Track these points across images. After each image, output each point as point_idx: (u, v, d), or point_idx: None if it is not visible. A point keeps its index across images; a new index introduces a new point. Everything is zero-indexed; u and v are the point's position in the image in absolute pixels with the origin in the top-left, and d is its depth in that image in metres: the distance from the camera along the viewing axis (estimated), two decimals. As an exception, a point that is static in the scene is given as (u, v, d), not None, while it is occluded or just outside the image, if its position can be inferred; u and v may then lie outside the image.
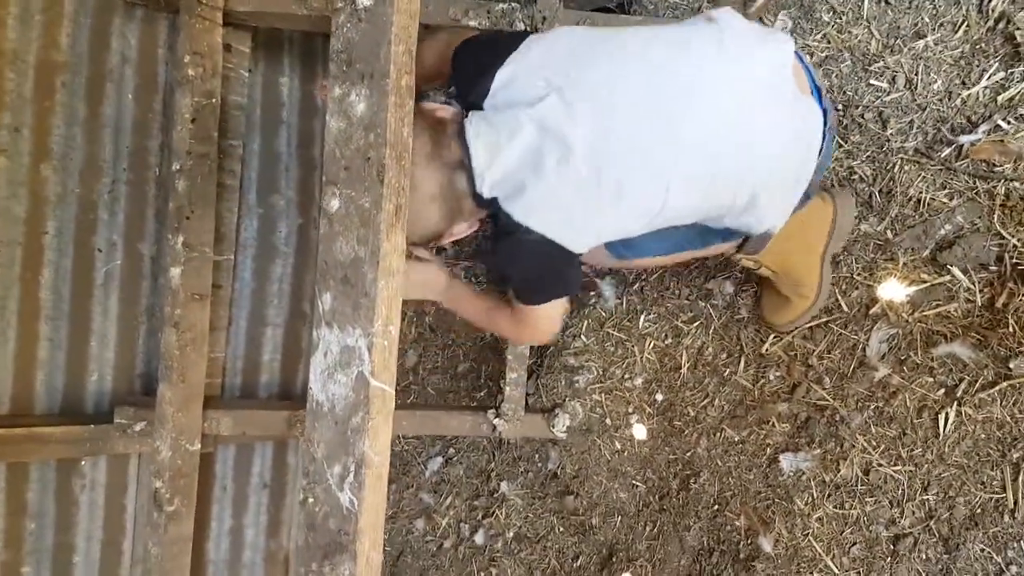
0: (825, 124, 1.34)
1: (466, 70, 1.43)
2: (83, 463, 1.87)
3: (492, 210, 1.33)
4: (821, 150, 1.33)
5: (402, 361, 2.45)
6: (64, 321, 1.86)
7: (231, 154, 2.00)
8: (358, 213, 1.09)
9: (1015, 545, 1.48)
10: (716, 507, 1.82)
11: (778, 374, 1.74)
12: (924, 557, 1.55)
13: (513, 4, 1.82)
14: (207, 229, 1.71)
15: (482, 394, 2.30)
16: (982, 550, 1.52)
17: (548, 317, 1.46)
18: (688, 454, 1.86)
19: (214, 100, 1.61)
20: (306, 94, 2.36)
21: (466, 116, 1.33)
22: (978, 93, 1.54)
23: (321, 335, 1.07)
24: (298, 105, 2.34)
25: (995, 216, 1.51)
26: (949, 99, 1.58)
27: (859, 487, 1.62)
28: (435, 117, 1.32)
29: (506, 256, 1.35)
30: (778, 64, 1.28)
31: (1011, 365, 1.47)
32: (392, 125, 1.08)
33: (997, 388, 1.50)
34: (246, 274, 2.22)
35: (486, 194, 1.31)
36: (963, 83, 1.57)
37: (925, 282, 1.56)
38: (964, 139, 1.53)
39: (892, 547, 1.59)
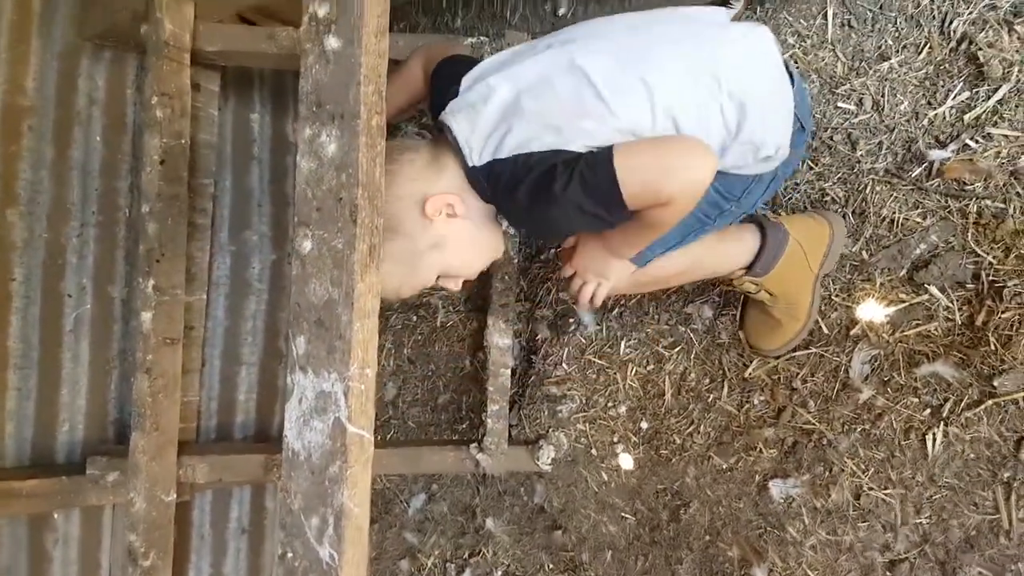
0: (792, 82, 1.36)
1: (440, 89, 1.43)
2: (56, 516, 1.82)
3: (489, 177, 1.28)
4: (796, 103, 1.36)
5: (381, 394, 2.42)
6: (33, 370, 1.82)
7: (202, 192, 1.98)
8: (331, 254, 1.07)
9: (1013, 567, 1.47)
10: (708, 538, 1.80)
11: (762, 399, 1.73)
12: (920, 581, 1.54)
13: (482, 38, 1.82)
14: (178, 271, 1.68)
15: (464, 426, 2.27)
16: (980, 573, 1.51)
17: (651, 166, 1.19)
18: (677, 484, 1.84)
19: (183, 141, 1.59)
20: (277, 129, 2.35)
21: None
22: (944, 113, 1.56)
23: (296, 380, 1.04)
24: (269, 141, 2.33)
25: (969, 234, 1.52)
26: (916, 119, 1.59)
27: (851, 512, 1.61)
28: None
29: (538, 193, 1.22)
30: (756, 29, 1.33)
31: (995, 383, 1.47)
32: (364, 165, 1.06)
33: (983, 407, 1.50)
34: (219, 312, 2.19)
35: (478, 160, 1.27)
36: (929, 103, 1.59)
37: (903, 302, 1.56)
38: (934, 157, 1.54)
39: (888, 573, 1.58)
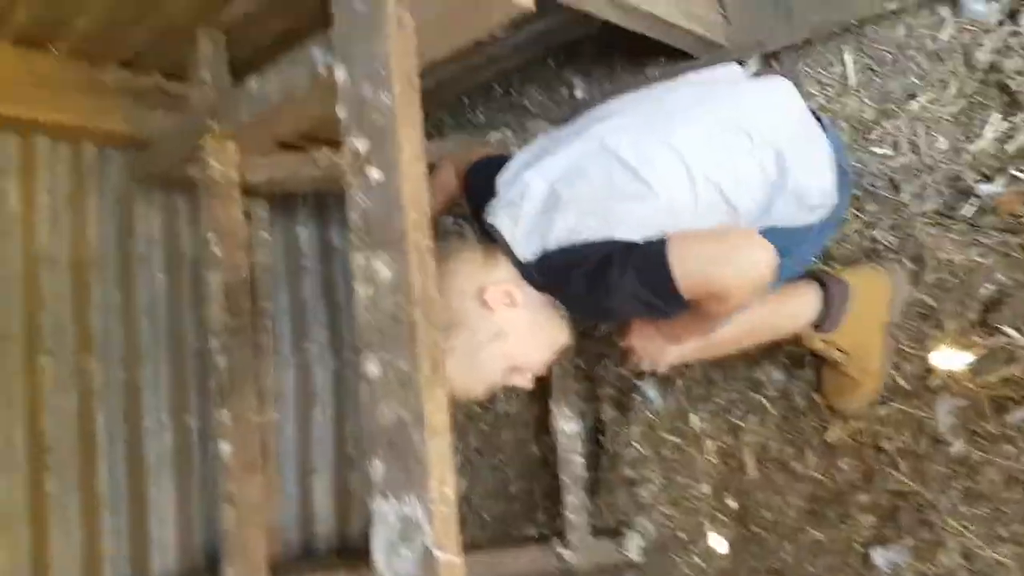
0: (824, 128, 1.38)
1: (477, 188, 1.47)
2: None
3: (543, 266, 1.29)
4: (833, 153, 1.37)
5: (455, 489, 2.40)
6: (124, 509, 1.87)
7: (263, 314, 2.04)
8: (396, 376, 1.09)
9: None
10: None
11: (850, 462, 1.66)
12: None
13: (506, 131, 1.88)
14: (249, 397, 1.72)
15: (541, 516, 2.23)
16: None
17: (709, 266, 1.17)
18: (775, 562, 1.76)
19: (243, 274, 1.66)
20: (323, 238, 2.43)
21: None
22: (985, 146, 1.53)
23: (378, 507, 1.05)
24: (317, 251, 2.40)
25: (1035, 268, 1.47)
26: (957, 155, 1.56)
27: (965, 576, 1.52)
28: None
29: (595, 284, 1.21)
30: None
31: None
32: (417, 285, 1.09)
33: (1084, 445, 1.42)
34: (288, 427, 2.23)
35: (527, 255, 1.29)
36: (967, 138, 1.56)
37: (980, 347, 1.50)
38: (983, 192, 1.51)
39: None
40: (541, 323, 1.38)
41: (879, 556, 1.58)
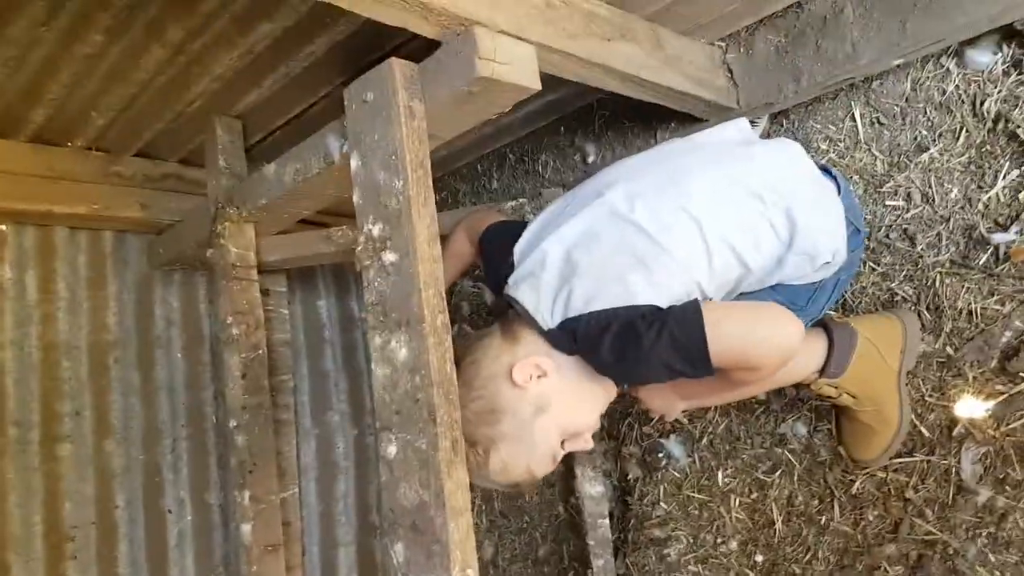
0: (838, 189, 1.41)
1: (492, 256, 1.49)
2: None
3: (566, 334, 1.29)
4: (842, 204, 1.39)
5: (480, 554, 2.37)
6: (144, 592, 1.85)
7: (283, 389, 2.05)
8: (416, 456, 1.09)
9: None
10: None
11: (877, 514, 1.63)
12: None
13: (521, 200, 1.90)
14: (270, 476, 1.72)
15: (570, 577, 2.19)
16: None
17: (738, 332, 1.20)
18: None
19: (261, 352, 1.67)
20: (343, 309, 2.45)
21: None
22: (998, 195, 1.54)
23: (402, 593, 1.04)
24: (338, 322, 2.42)
25: (1054, 312, 1.46)
26: (970, 205, 1.57)
27: (998, 625, 1.48)
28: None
29: (624, 350, 1.22)
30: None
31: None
32: (435, 364, 1.10)
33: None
34: (311, 499, 2.22)
35: (551, 322, 1.29)
36: (979, 187, 1.57)
37: (1002, 394, 1.49)
38: (998, 240, 1.51)
39: None
40: (580, 384, 1.35)
41: (911, 609, 1.54)
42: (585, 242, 1.30)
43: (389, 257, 1.14)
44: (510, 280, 1.38)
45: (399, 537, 1.10)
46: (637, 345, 1.20)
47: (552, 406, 1.31)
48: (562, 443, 1.35)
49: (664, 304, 1.24)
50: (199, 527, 1.97)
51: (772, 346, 1.19)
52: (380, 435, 1.16)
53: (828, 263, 1.35)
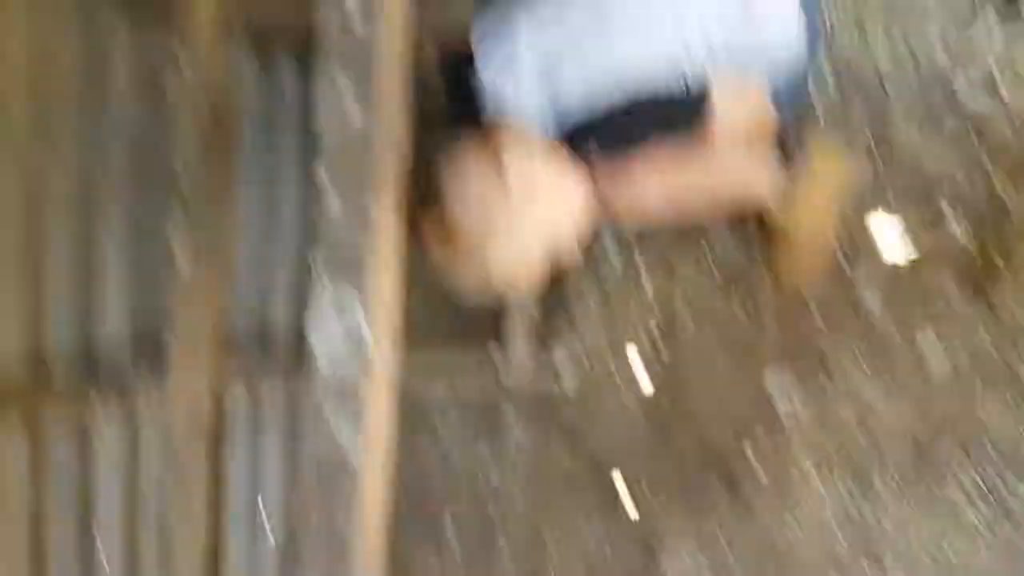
0: None
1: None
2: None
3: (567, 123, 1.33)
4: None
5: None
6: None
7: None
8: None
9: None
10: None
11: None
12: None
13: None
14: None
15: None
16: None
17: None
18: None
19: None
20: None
21: None
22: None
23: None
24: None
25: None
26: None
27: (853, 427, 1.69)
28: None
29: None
30: None
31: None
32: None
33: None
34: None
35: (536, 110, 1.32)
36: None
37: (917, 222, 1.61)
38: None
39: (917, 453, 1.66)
40: (558, 172, 1.28)
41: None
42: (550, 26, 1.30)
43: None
44: (481, 72, 1.34)
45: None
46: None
47: (539, 197, 1.27)
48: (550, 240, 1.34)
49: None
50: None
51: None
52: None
53: (779, 60, 1.35)
